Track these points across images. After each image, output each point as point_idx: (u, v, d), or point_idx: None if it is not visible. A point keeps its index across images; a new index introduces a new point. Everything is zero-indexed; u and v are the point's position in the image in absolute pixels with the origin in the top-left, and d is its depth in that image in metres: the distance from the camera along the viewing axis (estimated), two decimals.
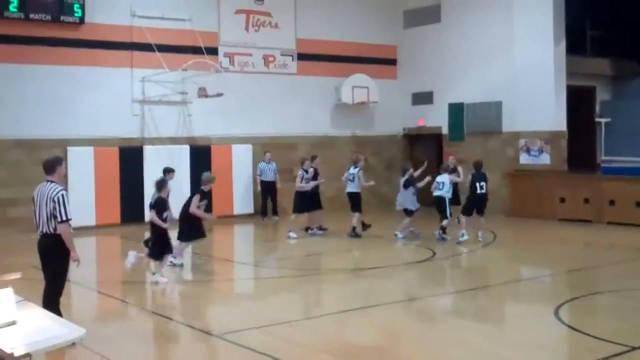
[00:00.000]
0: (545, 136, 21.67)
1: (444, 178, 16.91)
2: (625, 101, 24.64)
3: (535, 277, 13.77)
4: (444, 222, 16.80)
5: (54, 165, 8.73)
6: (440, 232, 16.81)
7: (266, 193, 21.62)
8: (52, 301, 8.45)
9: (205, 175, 14.32)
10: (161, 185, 12.97)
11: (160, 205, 12.69)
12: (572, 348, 9.02)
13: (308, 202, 17.98)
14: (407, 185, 17.41)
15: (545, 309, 10.37)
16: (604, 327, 9.43)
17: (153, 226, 12.78)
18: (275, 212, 21.60)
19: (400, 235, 17.31)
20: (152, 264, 12.81)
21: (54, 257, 8.59)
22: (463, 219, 16.65)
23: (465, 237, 16.41)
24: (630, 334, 8.89)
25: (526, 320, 10.25)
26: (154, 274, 12.52)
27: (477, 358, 8.34)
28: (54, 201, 8.42)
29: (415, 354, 8.57)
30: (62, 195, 8.47)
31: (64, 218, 8.43)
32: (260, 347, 8.56)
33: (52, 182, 8.61)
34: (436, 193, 16.85)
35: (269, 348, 8.49)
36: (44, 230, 8.57)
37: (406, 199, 17.43)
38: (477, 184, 16.56)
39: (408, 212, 17.43)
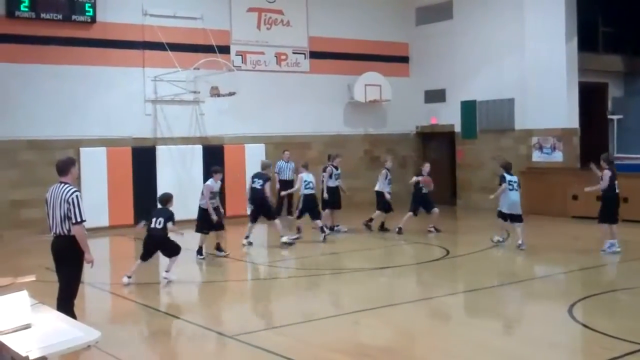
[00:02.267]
0: (558, 133, 21.59)
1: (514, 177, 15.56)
2: (638, 98, 24.48)
3: (548, 275, 13.74)
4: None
5: (67, 166, 8.71)
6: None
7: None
8: (66, 303, 8.47)
9: None
10: None
11: None
12: (587, 346, 8.98)
13: (333, 199, 18.16)
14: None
15: (559, 307, 10.34)
16: (618, 325, 9.39)
17: None
18: (289, 212, 21.55)
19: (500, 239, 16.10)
20: None
21: (68, 258, 8.59)
22: (613, 227, 14.55)
23: (618, 248, 14.50)
24: None
25: (540, 318, 10.21)
26: None
27: (492, 357, 8.31)
28: (68, 202, 8.41)
29: (430, 354, 8.56)
30: (76, 197, 8.46)
31: (79, 219, 8.43)
32: (274, 347, 8.56)
33: (65, 183, 8.60)
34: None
35: (283, 349, 8.49)
36: (58, 232, 8.56)
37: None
38: (615, 182, 14.49)
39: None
